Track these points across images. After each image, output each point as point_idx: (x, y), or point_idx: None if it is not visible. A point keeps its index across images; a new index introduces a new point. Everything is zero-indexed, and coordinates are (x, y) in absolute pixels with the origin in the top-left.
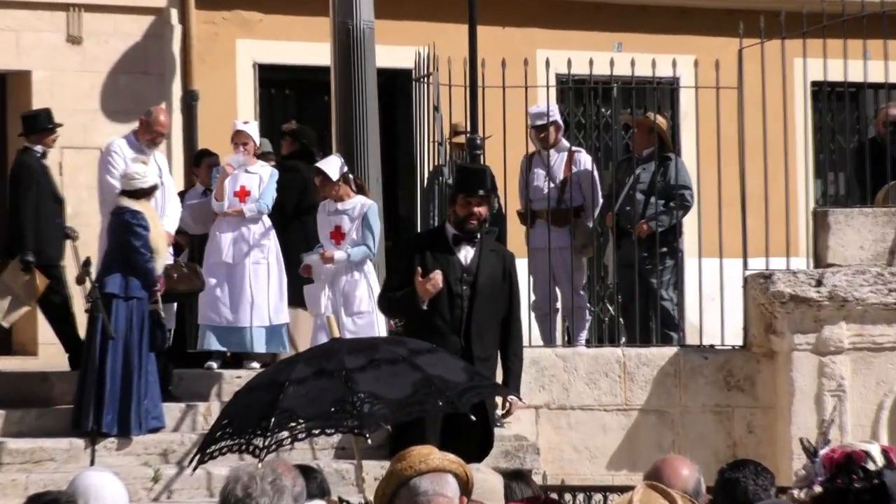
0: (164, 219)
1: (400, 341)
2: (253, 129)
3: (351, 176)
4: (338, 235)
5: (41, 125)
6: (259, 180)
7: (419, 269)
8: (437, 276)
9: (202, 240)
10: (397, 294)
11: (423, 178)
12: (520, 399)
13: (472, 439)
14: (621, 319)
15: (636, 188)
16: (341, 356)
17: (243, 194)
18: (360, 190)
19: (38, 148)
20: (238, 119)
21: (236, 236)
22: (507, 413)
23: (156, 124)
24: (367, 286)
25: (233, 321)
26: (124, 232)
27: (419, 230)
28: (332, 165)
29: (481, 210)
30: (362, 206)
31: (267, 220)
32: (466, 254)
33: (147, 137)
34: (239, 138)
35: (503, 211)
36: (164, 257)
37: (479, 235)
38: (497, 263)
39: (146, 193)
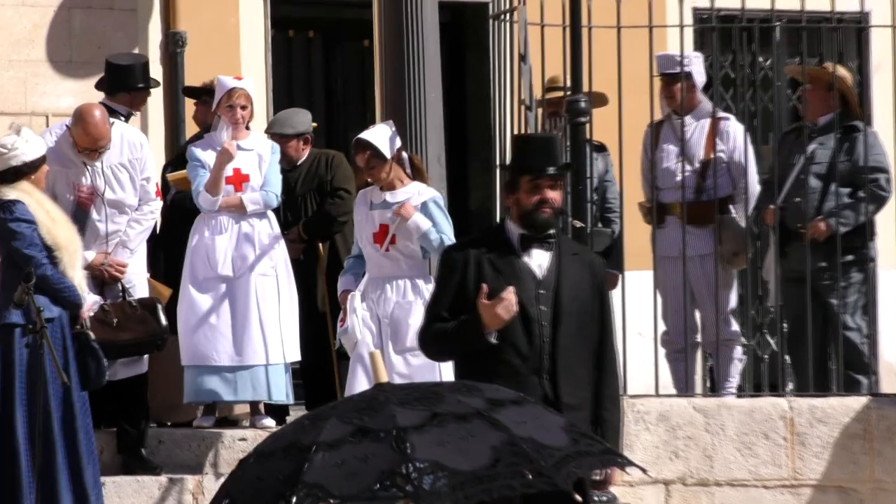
0: (130, 230)
1: (473, 388)
2: (250, 89)
3: (405, 155)
4: (385, 237)
5: (133, 82)
6: (258, 160)
7: (484, 287)
8: (511, 296)
9: (170, 246)
10: (448, 325)
11: (504, 157)
12: (627, 466)
13: None
14: (787, 357)
15: (809, 171)
16: (390, 409)
17: (238, 180)
18: (418, 174)
19: (122, 109)
20: (234, 74)
21: (237, 239)
22: (604, 483)
23: (84, 140)
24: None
25: (240, 359)
26: (2, 235)
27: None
28: (381, 137)
29: (555, 195)
30: (420, 197)
31: (272, 216)
32: (540, 261)
33: (81, 146)
34: (234, 100)
35: (619, 204)
36: (72, 253)
37: (555, 234)
38: (582, 272)
39: (24, 172)
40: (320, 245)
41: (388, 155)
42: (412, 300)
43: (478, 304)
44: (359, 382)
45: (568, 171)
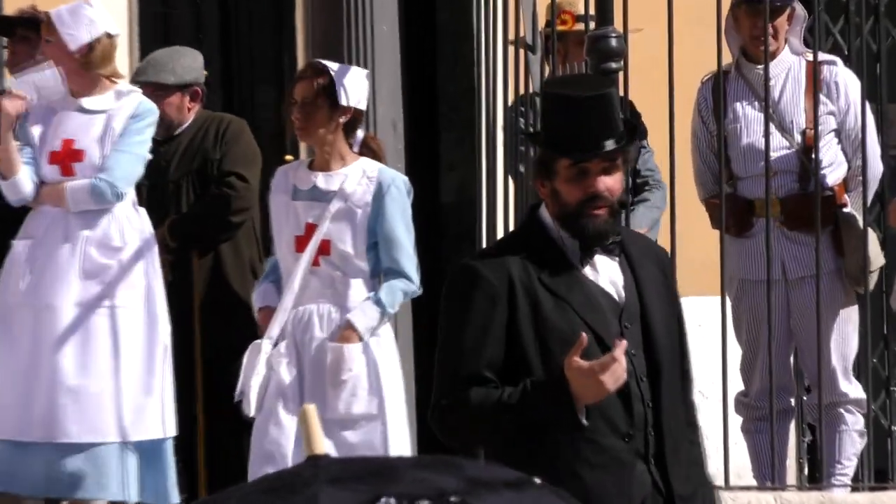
0: None
1: (450, 463)
2: (82, 16)
3: (361, 132)
4: (307, 245)
5: None
6: (105, 125)
7: (583, 337)
8: (623, 356)
9: None
10: (501, 395)
11: (492, 122)
12: None
13: None
14: None
15: None
16: (313, 490)
17: (67, 158)
18: (368, 150)
19: None
20: None
21: (59, 248)
22: None
23: None
24: (371, 362)
25: (52, 434)
26: None
27: (484, 231)
28: (353, 80)
29: (612, 183)
30: (370, 183)
31: (143, 214)
32: (611, 274)
33: None
34: (45, 33)
35: (670, 197)
36: None
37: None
38: (658, 279)
39: None
40: (195, 260)
41: (344, 101)
42: (351, 345)
43: (568, 366)
44: (261, 465)
45: (635, 140)
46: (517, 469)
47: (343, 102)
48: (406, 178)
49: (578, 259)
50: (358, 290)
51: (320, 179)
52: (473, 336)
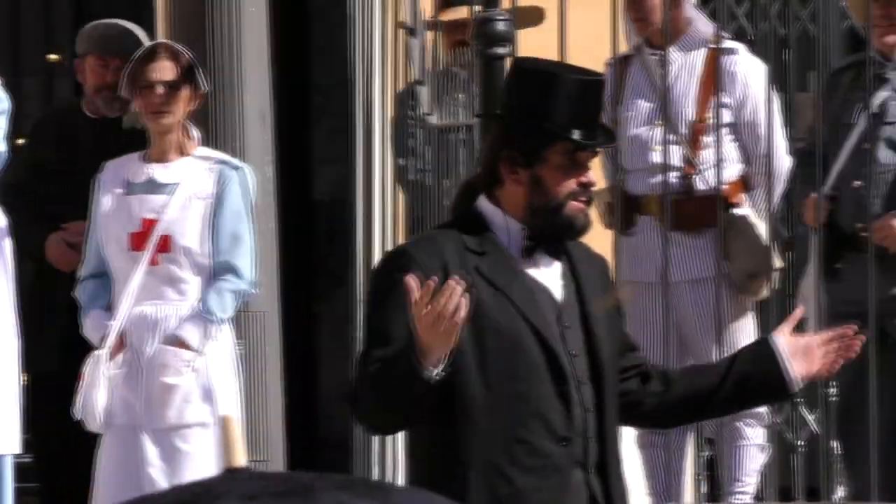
0: None
1: (373, 487)
2: None
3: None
4: (145, 242)
5: None
6: None
7: (431, 282)
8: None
9: None
10: (390, 353)
11: (368, 112)
12: None
13: None
14: (836, 444)
15: (878, 136)
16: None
17: None
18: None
19: None
20: None
21: None
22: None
23: None
24: (204, 368)
25: None
26: None
27: (360, 230)
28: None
29: (591, 178)
30: (212, 173)
31: None
32: (552, 275)
33: None
34: None
35: None
36: None
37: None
38: (599, 282)
39: None
40: None
41: (203, 84)
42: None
43: (413, 312)
44: (110, 490)
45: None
46: (447, 473)
47: (203, 89)
48: (251, 168)
49: (520, 253)
50: (199, 288)
51: (157, 171)
52: (396, 321)
